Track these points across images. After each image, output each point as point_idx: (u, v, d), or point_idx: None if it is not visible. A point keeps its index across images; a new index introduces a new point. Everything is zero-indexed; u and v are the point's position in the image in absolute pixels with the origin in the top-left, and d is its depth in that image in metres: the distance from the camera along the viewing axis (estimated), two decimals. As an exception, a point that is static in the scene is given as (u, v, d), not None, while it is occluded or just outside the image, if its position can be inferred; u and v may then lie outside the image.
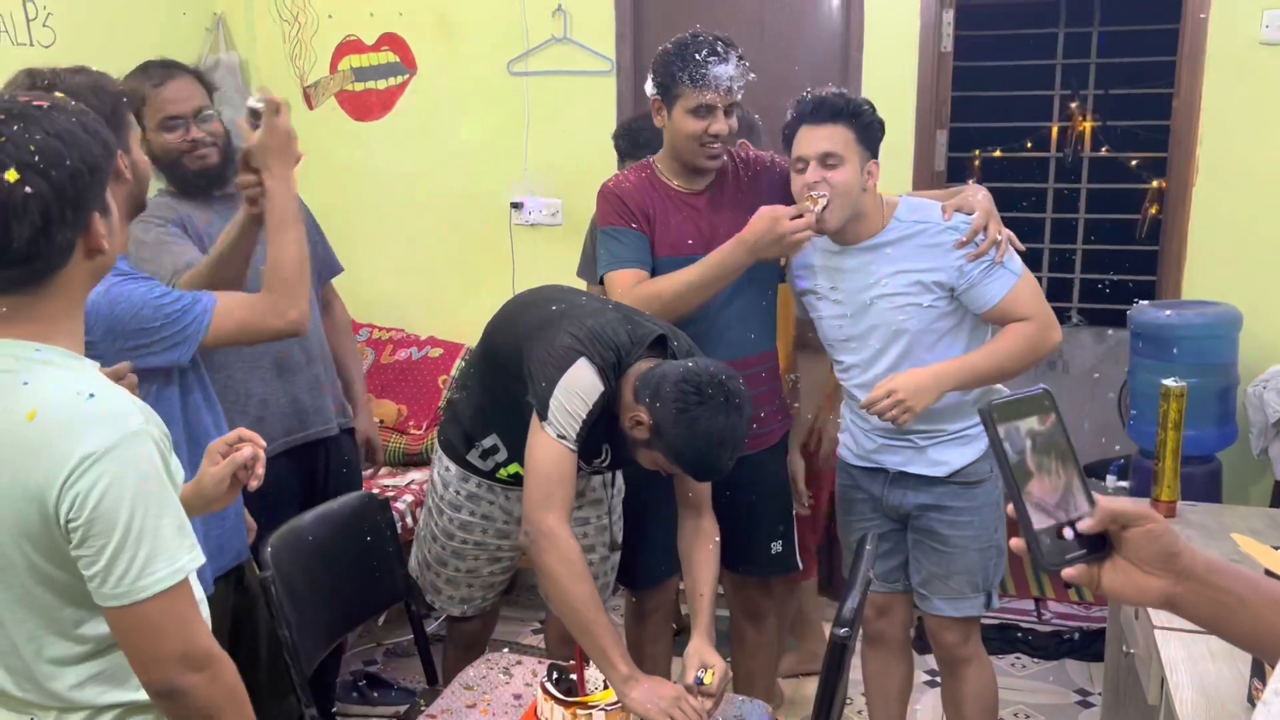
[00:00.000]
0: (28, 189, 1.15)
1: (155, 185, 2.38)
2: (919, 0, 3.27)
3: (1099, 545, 1.02)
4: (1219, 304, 3.00)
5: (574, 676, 1.92)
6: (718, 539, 2.11)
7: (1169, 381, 2.39)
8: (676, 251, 2.32)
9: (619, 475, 2.35)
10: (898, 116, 3.33)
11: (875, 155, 2.21)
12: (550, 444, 1.90)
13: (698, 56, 2.23)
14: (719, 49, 2.24)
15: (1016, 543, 1.02)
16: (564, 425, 1.90)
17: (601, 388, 1.91)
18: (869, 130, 2.18)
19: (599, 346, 1.92)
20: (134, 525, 1.19)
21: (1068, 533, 1.01)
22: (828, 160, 2.13)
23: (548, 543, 1.88)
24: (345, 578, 2.18)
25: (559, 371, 1.90)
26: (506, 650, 2.20)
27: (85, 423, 1.18)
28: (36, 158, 1.16)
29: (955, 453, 2.27)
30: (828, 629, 3.43)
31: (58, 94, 1.28)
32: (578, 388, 1.90)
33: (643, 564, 2.46)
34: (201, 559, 1.26)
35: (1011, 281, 2.17)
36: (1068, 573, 1.01)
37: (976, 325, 2.25)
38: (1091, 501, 1.02)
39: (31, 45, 2.96)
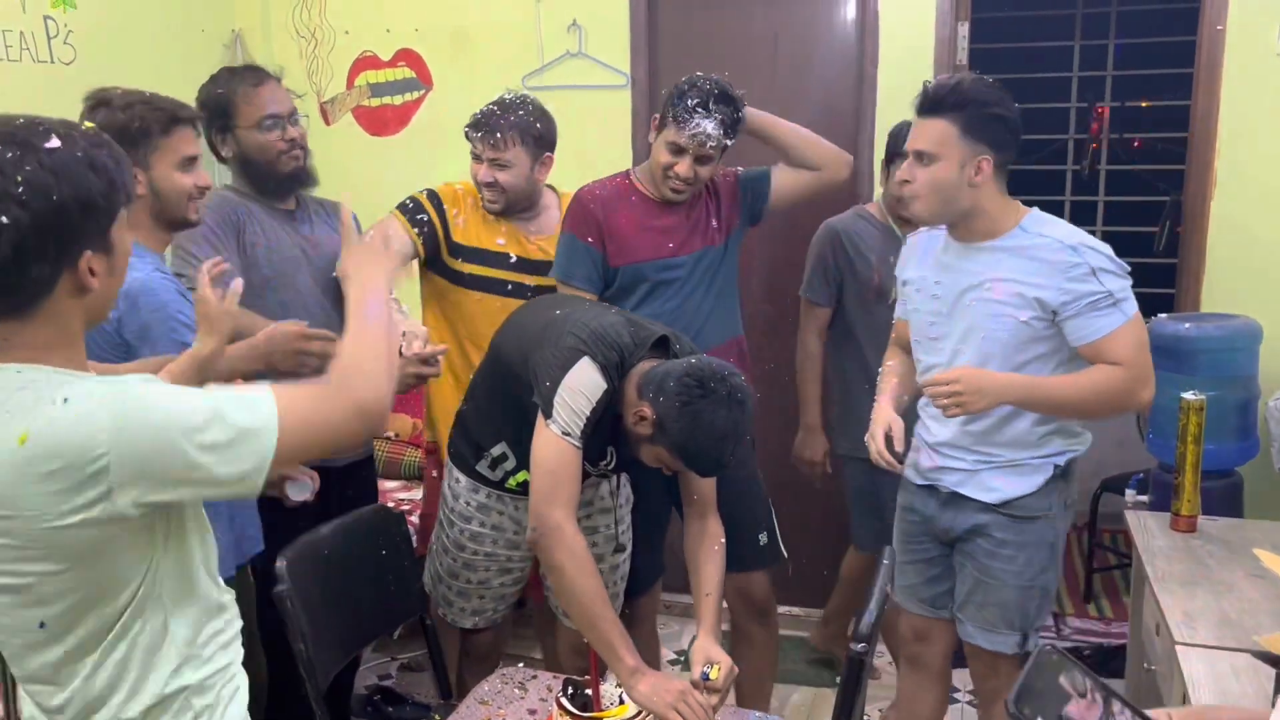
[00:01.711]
0: (3, 219, 1.14)
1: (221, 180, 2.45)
2: (934, 14, 3.26)
3: None
4: (1238, 316, 2.97)
5: (589, 691, 1.92)
6: (723, 540, 2.13)
7: (1188, 395, 2.38)
8: (659, 255, 2.48)
9: (625, 485, 2.36)
10: (913, 129, 3.33)
11: (993, 146, 2.08)
12: (555, 441, 1.93)
13: (690, 102, 2.39)
14: (710, 105, 2.37)
15: None
16: (568, 422, 1.93)
17: (605, 385, 1.95)
18: (978, 123, 2.06)
19: (602, 346, 1.96)
20: (202, 429, 1.18)
21: None
22: (922, 158, 2.09)
23: (554, 538, 1.91)
24: (360, 591, 2.18)
25: (563, 370, 1.94)
26: (521, 665, 2.20)
27: (74, 424, 1.15)
28: (20, 189, 1.14)
29: (1008, 481, 2.18)
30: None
31: (88, 124, 1.27)
32: (581, 386, 1.93)
33: (631, 572, 2.46)
34: (268, 391, 1.26)
35: (1118, 322, 2.04)
36: None
37: (1070, 364, 2.12)
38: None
39: (52, 62, 2.99)
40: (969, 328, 2.16)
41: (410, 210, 2.59)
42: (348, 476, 2.52)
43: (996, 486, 2.19)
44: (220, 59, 3.71)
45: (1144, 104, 4.19)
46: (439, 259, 2.58)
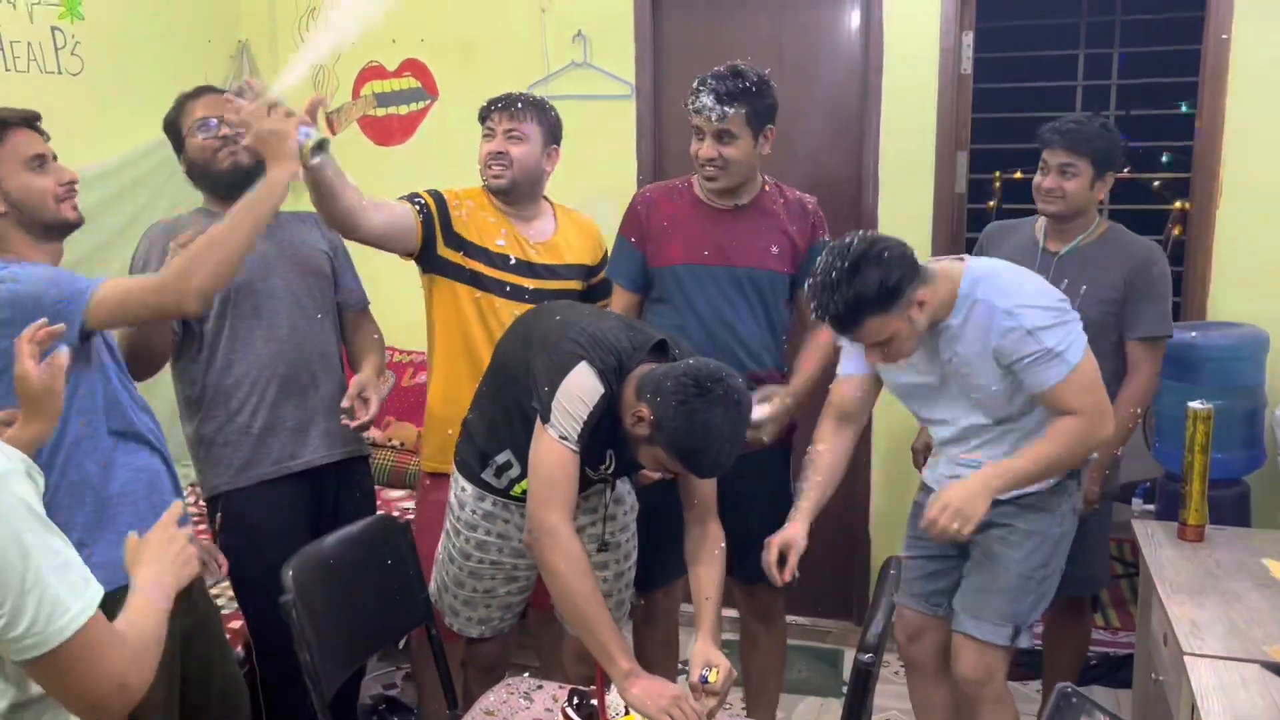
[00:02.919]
0: None
1: (196, 201, 2.44)
2: (938, 23, 3.27)
3: None
4: (1245, 325, 2.97)
5: (595, 701, 1.91)
6: (723, 544, 2.14)
7: (1195, 404, 2.37)
8: (690, 260, 2.52)
9: (630, 494, 2.38)
10: (918, 139, 3.33)
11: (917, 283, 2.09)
12: (552, 444, 1.94)
13: (695, 84, 2.45)
14: (709, 81, 2.42)
15: None
16: (565, 427, 1.94)
17: (602, 390, 1.95)
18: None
19: (600, 350, 1.97)
20: (27, 574, 1.14)
21: None
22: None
23: (550, 540, 1.93)
24: (366, 601, 2.18)
25: (561, 375, 1.95)
26: (527, 675, 2.19)
27: None
28: None
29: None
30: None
31: None
32: (579, 390, 1.94)
33: (650, 565, 2.47)
34: (100, 589, 1.22)
35: (1063, 372, 2.09)
36: None
37: None
38: None
39: (60, 73, 3.00)
40: (958, 397, 2.23)
41: (407, 197, 2.55)
42: (342, 475, 2.54)
43: (1012, 490, 2.22)
44: (227, 69, 3.72)
45: (1148, 113, 4.19)
46: (434, 252, 2.52)
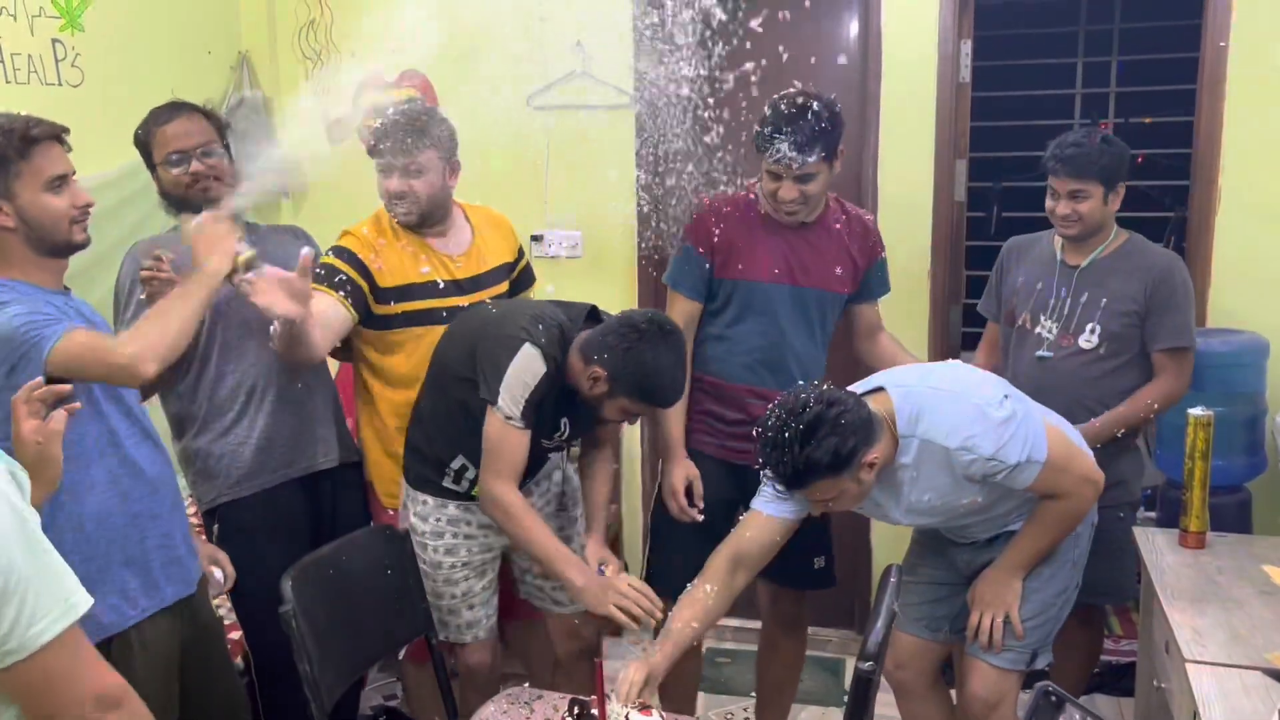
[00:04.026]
0: None
1: (170, 221, 2.44)
2: (937, 31, 3.28)
3: None
4: (1245, 332, 2.97)
5: (595, 711, 1.91)
6: (614, 464, 2.43)
7: (1196, 410, 2.37)
8: (761, 277, 2.53)
9: (573, 474, 2.54)
10: (917, 147, 3.34)
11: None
12: (499, 424, 2.17)
13: (766, 129, 2.39)
14: (784, 127, 2.36)
15: None
16: (510, 408, 2.16)
17: (545, 370, 2.16)
18: None
19: (543, 327, 2.17)
20: (10, 577, 1.11)
21: None
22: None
23: (495, 503, 2.22)
24: (366, 611, 2.18)
25: (508, 358, 2.15)
26: (527, 685, 2.19)
27: None
28: None
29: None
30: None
31: None
32: (523, 373, 2.15)
33: (665, 577, 2.45)
34: (88, 599, 1.18)
35: (1035, 471, 2.06)
36: None
37: None
38: None
39: (60, 85, 3.01)
40: (946, 518, 2.21)
41: (326, 277, 2.40)
42: (338, 480, 2.55)
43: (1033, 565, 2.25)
44: (227, 81, 3.73)
45: (1147, 120, 4.19)
46: (371, 315, 2.45)
